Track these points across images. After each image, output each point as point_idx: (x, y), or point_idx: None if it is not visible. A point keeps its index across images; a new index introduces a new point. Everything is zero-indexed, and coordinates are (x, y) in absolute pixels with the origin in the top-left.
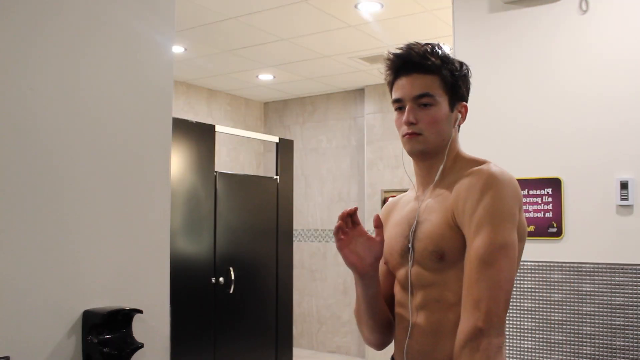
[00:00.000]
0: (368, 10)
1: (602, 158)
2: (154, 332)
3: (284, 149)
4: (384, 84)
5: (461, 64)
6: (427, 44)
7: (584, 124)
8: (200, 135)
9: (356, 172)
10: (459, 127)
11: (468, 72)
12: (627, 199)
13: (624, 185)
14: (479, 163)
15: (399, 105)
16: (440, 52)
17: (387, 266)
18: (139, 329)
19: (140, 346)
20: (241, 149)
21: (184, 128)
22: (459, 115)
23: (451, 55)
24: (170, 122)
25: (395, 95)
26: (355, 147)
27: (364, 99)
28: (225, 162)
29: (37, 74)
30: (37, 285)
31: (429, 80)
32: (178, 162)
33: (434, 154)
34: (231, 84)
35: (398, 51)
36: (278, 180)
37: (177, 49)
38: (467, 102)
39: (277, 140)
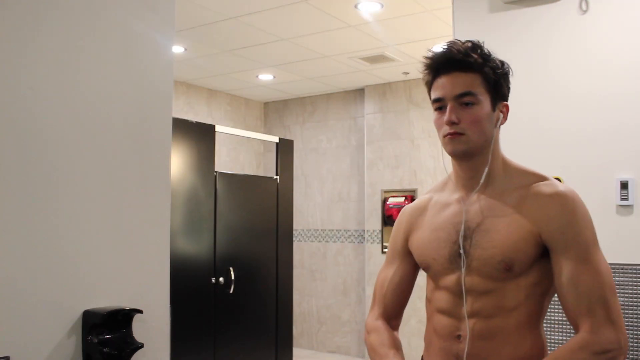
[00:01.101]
0: (368, 10)
1: (602, 158)
2: (154, 332)
3: (284, 149)
4: (384, 84)
5: (502, 62)
6: (467, 41)
7: (584, 124)
8: (200, 135)
9: (356, 172)
10: (500, 127)
11: (509, 70)
12: (627, 199)
13: (624, 185)
14: (540, 177)
15: (440, 104)
16: (481, 50)
17: (421, 270)
18: (139, 329)
19: (140, 346)
20: (241, 149)
21: (184, 128)
22: (501, 115)
23: (492, 54)
24: (170, 122)
25: (435, 94)
26: (355, 147)
27: (364, 99)
28: (225, 162)
29: (36, 73)
30: (37, 285)
31: (471, 78)
32: (178, 162)
33: (477, 154)
34: (231, 84)
35: (438, 49)
36: (278, 180)
37: (177, 49)
38: (507, 101)
39: (277, 140)
